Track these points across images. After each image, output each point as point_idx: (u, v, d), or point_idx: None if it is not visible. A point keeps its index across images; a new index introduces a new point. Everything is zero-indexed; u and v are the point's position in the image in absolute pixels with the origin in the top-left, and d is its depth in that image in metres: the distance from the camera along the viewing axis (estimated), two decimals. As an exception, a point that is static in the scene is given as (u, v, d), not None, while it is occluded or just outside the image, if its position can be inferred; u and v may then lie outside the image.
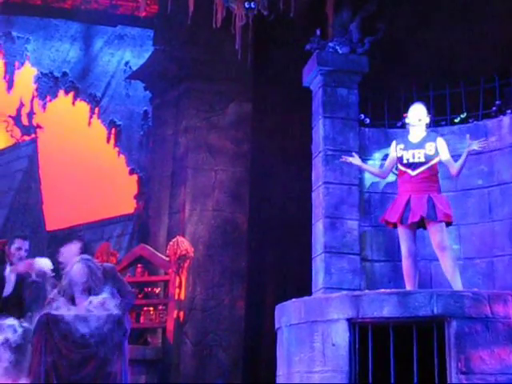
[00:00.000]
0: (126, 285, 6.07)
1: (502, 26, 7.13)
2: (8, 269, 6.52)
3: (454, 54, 7.45)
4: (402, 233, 6.20)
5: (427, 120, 6.42)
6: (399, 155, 6.27)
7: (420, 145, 6.23)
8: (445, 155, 6.21)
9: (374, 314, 4.95)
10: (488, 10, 7.37)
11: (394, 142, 6.44)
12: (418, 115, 6.35)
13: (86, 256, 6.14)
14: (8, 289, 6.51)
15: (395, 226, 6.30)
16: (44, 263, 6.55)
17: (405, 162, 6.23)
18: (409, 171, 6.20)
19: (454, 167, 6.16)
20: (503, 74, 7.00)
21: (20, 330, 5.98)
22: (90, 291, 5.85)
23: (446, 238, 5.99)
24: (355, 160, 6.64)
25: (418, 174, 6.15)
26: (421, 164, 6.16)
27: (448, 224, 6.10)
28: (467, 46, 7.39)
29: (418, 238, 6.30)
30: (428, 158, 6.16)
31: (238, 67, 9.74)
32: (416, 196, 6.08)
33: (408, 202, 6.10)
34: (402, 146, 6.29)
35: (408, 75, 7.38)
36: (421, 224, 6.13)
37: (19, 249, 6.53)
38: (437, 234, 5.98)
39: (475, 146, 6.09)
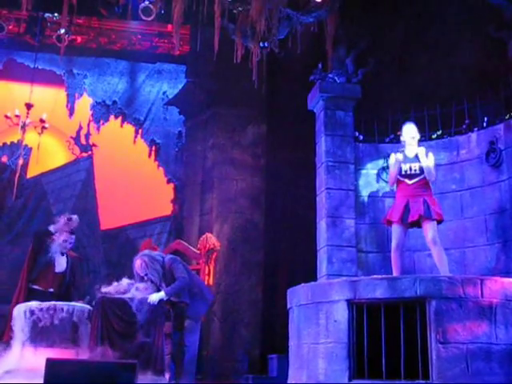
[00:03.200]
0: (179, 271, 5.96)
1: (468, 61, 7.13)
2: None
3: (431, 83, 7.45)
4: (396, 230, 6.10)
5: (418, 136, 6.36)
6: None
7: (415, 158, 6.17)
8: (430, 163, 6.12)
9: (368, 295, 4.95)
10: (455, 50, 7.38)
11: (392, 155, 6.34)
12: (410, 134, 6.30)
13: (145, 252, 6.03)
14: (60, 267, 6.38)
15: (389, 224, 6.22)
16: None
17: (403, 173, 6.16)
18: (406, 180, 6.13)
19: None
20: (471, 99, 6.99)
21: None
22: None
23: (437, 234, 5.93)
24: (400, 156, 6.31)
25: (414, 183, 6.09)
26: (416, 175, 6.10)
27: (439, 222, 6.02)
28: (441, 76, 7.38)
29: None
30: (422, 170, 6.10)
31: (255, 95, 9.74)
32: (413, 200, 6.00)
33: (406, 205, 6.01)
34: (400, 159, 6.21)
35: (393, 100, 7.38)
36: (415, 224, 6.05)
37: (65, 241, 6.38)
38: (430, 231, 5.90)
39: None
